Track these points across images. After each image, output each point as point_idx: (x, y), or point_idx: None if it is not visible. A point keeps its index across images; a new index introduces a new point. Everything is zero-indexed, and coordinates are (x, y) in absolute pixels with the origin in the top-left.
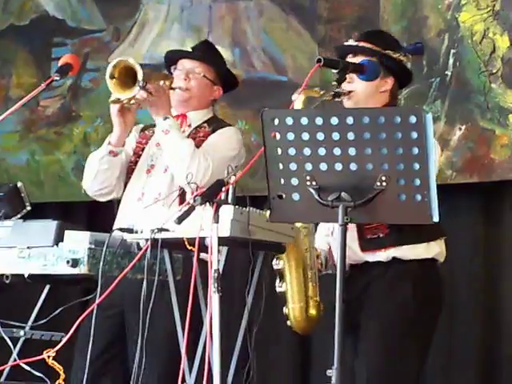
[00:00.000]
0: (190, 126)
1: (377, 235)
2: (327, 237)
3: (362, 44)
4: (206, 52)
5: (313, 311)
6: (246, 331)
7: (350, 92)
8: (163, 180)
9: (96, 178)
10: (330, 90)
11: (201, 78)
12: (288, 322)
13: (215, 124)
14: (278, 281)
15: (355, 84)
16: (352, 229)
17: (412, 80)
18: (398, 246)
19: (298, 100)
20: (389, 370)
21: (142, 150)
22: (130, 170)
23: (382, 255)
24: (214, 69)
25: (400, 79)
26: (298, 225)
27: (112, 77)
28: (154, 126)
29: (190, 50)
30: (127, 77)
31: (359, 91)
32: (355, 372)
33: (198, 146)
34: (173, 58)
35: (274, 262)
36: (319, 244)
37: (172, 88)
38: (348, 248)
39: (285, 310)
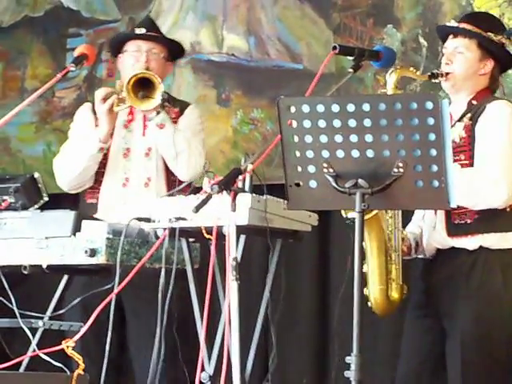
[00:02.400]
0: None
1: (464, 221)
2: (420, 221)
3: (462, 25)
4: (157, 31)
5: (395, 294)
6: (265, 319)
7: (447, 74)
8: (148, 165)
9: (80, 175)
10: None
11: (160, 59)
12: (368, 304)
13: (176, 102)
14: None
15: (454, 65)
16: (440, 212)
17: None
18: (485, 234)
19: (391, 79)
20: (485, 359)
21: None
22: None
23: (469, 243)
24: (167, 47)
25: (501, 62)
26: None
27: (129, 91)
28: None
29: (139, 30)
30: (139, 86)
31: (457, 73)
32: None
33: None
34: (121, 40)
35: None
36: (412, 227)
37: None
38: (436, 231)
39: (365, 290)
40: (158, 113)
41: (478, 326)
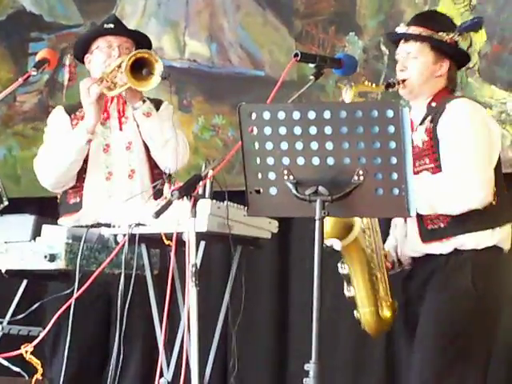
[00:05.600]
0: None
1: (438, 225)
2: (394, 231)
3: (412, 29)
4: (125, 26)
5: (386, 313)
6: (224, 325)
7: (403, 81)
8: (131, 157)
9: (68, 170)
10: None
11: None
12: (362, 326)
13: (151, 100)
14: (345, 285)
15: (409, 71)
16: (413, 219)
17: (470, 59)
18: (460, 235)
19: (347, 95)
20: (444, 372)
21: None
22: None
23: (443, 247)
24: (136, 41)
25: (456, 60)
26: (360, 225)
27: (127, 73)
28: (74, 105)
29: (107, 26)
30: (135, 68)
31: (413, 79)
32: (411, 365)
33: None
34: (91, 37)
35: (340, 266)
36: (390, 241)
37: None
38: (408, 239)
39: (356, 314)
40: (144, 101)
41: (443, 323)
